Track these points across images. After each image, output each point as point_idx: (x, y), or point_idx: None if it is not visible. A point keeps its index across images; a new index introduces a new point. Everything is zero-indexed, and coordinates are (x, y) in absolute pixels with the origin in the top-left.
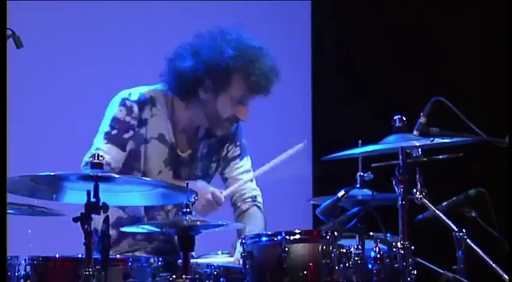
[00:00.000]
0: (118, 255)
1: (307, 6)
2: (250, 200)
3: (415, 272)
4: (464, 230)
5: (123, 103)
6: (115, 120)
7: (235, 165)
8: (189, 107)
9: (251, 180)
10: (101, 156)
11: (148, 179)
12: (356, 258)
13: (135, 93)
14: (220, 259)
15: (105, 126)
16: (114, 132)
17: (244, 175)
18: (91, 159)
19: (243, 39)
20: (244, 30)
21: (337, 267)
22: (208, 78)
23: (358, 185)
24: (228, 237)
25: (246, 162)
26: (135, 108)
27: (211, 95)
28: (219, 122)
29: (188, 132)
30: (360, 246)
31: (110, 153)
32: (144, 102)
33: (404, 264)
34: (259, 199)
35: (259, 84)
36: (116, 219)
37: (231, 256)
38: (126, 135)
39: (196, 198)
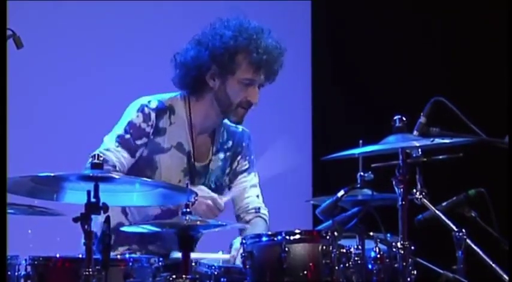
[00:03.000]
0: (118, 256)
1: (307, 6)
2: (253, 211)
3: (415, 272)
4: (464, 230)
5: (141, 109)
6: (130, 125)
7: (242, 178)
8: (202, 99)
9: (257, 196)
10: (101, 156)
11: (149, 179)
12: (356, 258)
13: (154, 101)
14: (217, 256)
15: (119, 128)
16: (127, 136)
17: (251, 190)
18: (91, 159)
19: (242, 22)
20: (244, 17)
21: (337, 267)
22: (212, 63)
23: (358, 185)
24: (228, 238)
25: (253, 178)
26: (153, 116)
27: (219, 81)
28: (231, 107)
29: (206, 137)
30: (360, 246)
31: (117, 156)
32: (162, 111)
33: (404, 264)
34: (264, 211)
35: (262, 61)
36: (116, 225)
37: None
38: (138, 142)
39: (196, 198)
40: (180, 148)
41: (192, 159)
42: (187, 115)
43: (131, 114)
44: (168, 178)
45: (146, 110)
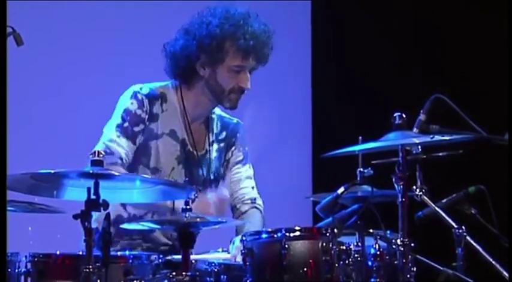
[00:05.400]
0: (119, 252)
1: (307, 6)
2: (249, 201)
3: (415, 268)
4: (463, 227)
5: (134, 96)
6: (127, 113)
7: (236, 170)
8: (194, 88)
9: (252, 188)
10: (102, 154)
11: (149, 176)
12: (356, 255)
13: (145, 87)
14: (218, 255)
15: (116, 117)
16: (126, 124)
17: (246, 181)
18: (91, 156)
19: (228, 9)
20: (231, 4)
21: (337, 264)
22: (201, 52)
23: (358, 182)
24: (228, 235)
25: (248, 169)
26: (146, 102)
27: (209, 69)
28: (223, 94)
29: (200, 125)
30: (359, 243)
31: (121, 146)
32: (154, 97)
33: (404, 261)
34: (259, 202)
35: (250, 47)
36: (115, 218)
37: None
38: (136, 129)
39: (196, 195)
40: (173, 135)
41: (189, 147)
42: (179, 103)
43: (126, 102)
44: (161, 164)
45: (139, 96)
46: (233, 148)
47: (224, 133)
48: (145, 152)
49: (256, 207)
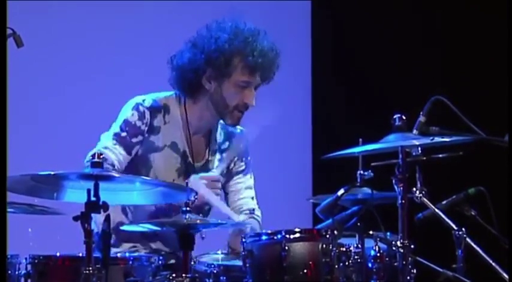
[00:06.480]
0: (119, 254)
1: (307, 6)
2: (247, 212)
3: (415, 270)
4: (463, 229)
5: (136, 107)
6: (126, 123)
7: (237, 179)
8: (198, 101)
9: (252, 198)
10: (102, 155)
11: (148, 178)
12: (356, 257)
13: (149, 99)
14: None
15: (116, 127)
16: (123, 134)
17: (246, 191)
18: (91, 158)
19: (238, 24)
20: (240, 18)
21: (336, 266)
22: (208, 66)
23: (358, 184)
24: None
25: (248, 179)
26: (147, 114)
27: (215, 83)
28: (227, 110)
29: (201, 137)
30: (359, 245)
31: (115, 154)
32: (156, 109)
33: (404, 263)
34: (258, 213)
35: (258, 64)
36: (116, 225)
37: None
38: (134, 140)
39: (196, 197)
40: (174, 148)
41: (189, 159)
42: (182, 115)
43: (126, 112)
44: (162, 177)
45: (141, 108)
46: (235, 158)
47: (227, 143)
48: (144, 164)
49: (253, 218)
